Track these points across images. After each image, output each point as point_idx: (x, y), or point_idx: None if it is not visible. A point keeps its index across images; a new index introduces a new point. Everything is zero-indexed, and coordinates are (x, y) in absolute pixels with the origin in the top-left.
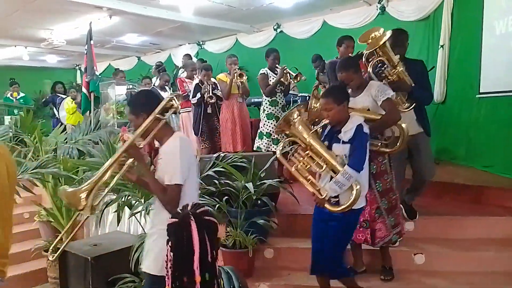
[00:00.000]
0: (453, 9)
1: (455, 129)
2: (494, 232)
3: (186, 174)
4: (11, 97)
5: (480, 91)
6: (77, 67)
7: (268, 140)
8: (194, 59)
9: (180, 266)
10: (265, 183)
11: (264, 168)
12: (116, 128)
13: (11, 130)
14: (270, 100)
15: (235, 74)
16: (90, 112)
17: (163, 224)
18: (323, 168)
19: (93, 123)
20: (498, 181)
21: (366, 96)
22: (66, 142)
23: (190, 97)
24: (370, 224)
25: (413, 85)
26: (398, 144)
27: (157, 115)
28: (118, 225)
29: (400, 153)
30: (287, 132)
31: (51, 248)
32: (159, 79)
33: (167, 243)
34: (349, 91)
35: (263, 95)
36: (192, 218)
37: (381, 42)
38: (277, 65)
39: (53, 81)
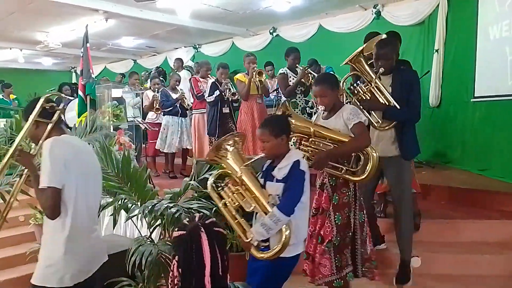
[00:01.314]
0: (448, 14)
1: (450, 133)
2: (489, 235)
3: (64, 178)
4: (5, 99)
5: (475, 95)
6: (73, 69)
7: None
8: (191, 63)
9: (189, 282)
10: None
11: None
12: (112, 131)
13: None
14: (289, 101)
15: (254, 73)
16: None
17: (48, 233)
18: (251, 208)
19: (89, 126)
20: (493, 184)
21: (338, 119)
22: None
23: (206, 95)
24: (314, 258)
25: (390, 103)
26: (365, 173)
27: (37, 119)
28: (114, 228)
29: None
30: (218, 163)
31: None
32: (170, 80)
33: (173, 258)
34: (323, 113)
35: (282, 96)
36: (202, 229)
37: (352, 56)
38: (297, 65)
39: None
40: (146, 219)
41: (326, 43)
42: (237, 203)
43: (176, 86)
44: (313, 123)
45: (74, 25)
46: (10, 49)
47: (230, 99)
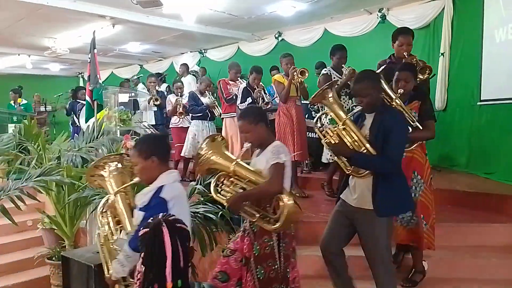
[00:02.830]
0: (453, 17)
1: (456, 136)
2: (495, 239)
3: None
4: (13, 104)
5: (481, 99)
6: (80, 75)
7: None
8: (197, 67)
9: (150, 274)
10: None
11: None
12: (118, 135)
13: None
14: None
15: (294, 74)
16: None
17: None
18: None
19: (96, 131)
20: (499, 188)
21: (263, 156)
22: (70, 150)
23: (238, 101)
24: None
25: (360, 148)
26: (278, 223)
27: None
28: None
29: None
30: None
31: None
32: (200, 83)
33: (140, 256)
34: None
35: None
36: (163, 224)
37: (317, 94)
38: (343, 65)
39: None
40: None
41: (330, 47)
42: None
43: (206, 91)
44: (235, 161)
45: (81, 31)
46: (19, 55)
47: (263, 107)
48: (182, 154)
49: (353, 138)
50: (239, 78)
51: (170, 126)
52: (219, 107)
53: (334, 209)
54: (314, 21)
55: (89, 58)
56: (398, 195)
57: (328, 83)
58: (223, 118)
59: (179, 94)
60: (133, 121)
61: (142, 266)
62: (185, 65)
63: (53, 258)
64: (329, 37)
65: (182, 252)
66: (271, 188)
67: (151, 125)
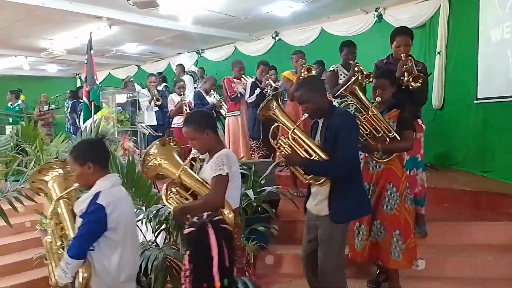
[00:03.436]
0: (449, 17)
1: (453, 135)
2: (492, 237)
3: None
4: (10, 106)
5: (478, 97)
6: (77, 76)
7: None
8: (194, 68)
9: (199, 274)
10: (265, 190)
11: (264, 175)
12: (116, 136)
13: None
14: (339, 102)
15: (301, 71)
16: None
17: None
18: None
19: (94, 132)
20: (496, 186)
21: (209, 165)
22: (67, 151)
23: (246, 96)
24: None
25: (311, 156)
26: None
27: None
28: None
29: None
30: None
31: None
32: (205, 83)
33: (185, 253)
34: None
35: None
36: (209, 225)
37: (264, 104)
38: (350, 61)
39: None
40: (151, 223)
41: (328, 46)
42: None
43: (212, 89)
44: (182, 169)
45: (78, 32)
46: (15, 56)
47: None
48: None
49: (303, 146)
50: (243, 76)
51: (173, 126)
52: (225, 106)
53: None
54: (310, 21)
55: (86, 59)
56: (353, 201)
57: (273, 94)
58: (226, 117)
59: (182, 93)
60: (136, 121)
61: (189, 264)
62: (181, 66)
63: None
64: (326, 37)
65: (227, 251)
66: (210, 202)
67: (153, 125)
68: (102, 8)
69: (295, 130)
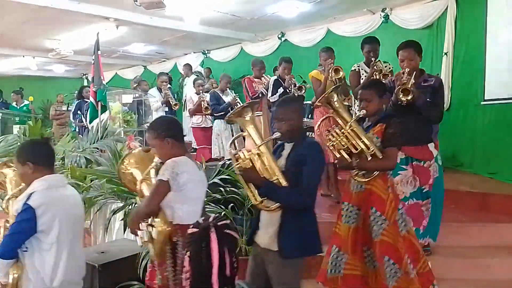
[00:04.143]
0: (457, 17)
1: (460, 136)
2: (499, 239)
3: None
4: (15, 105)
5: (485, 98)
6: (84, 76)
7: None
8: (200, 68)
9: (198, 279)
10: None
11: None
12: (122, 136)
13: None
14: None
15: (329, 70)
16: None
17: None
18: None
19: (100, 132)
20: (503, 188)
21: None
22: (74, 150)
23: (269, 94)
24: None
25: (271, 178)
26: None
27: None
28: (124, 232)
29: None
30: None
31: None
32: (220, 81)
33: (185, 253)
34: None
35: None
36: (212, 229)
37: (234, 111)
38: (372, 59)
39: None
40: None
41: (334, 47)
42: None
43: (228, 88)
44: (143, 179)
45: (85, 33)
46: (23, 56)
47: (295, 95)
48: (213, 157)
49: (266, 165)
50: (263, 75)
51: (191, 126)
52: (241, 104)
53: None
54: (317, 22)
55: (93, 59)
56: (305, 235)
57: (249, 103)
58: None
59: (201, 91)
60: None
61: (189, 266)
62: (188, 66)
63: None
64: (332, 38)
65: (229, 259)
66: (140, 208)
67: None
68: (109, 9)
69: (262, 147)
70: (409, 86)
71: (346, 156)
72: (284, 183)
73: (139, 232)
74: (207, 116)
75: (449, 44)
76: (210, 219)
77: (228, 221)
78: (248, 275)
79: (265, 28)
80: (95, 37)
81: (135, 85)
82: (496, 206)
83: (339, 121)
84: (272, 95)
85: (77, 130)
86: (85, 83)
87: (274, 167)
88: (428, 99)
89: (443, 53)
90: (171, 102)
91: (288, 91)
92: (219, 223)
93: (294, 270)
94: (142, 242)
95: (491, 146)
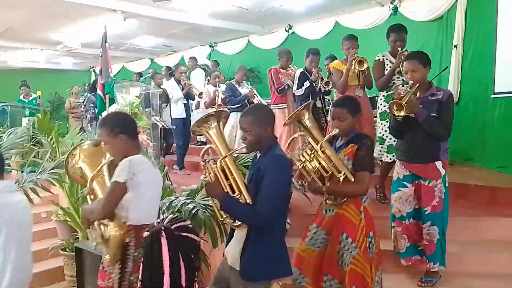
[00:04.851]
0: (467, 9)
1: (470, 130)
2: (508, 233)
3: None
4: (23, 99)
5: (495, 91)
6: (92, 69)
7: (381, 147)
8: (207, 61)
9: (149, 285)
10: None
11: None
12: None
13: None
14: (385, 94)
15: (353, 61)
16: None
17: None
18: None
19: None
20: None
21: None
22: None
23: (294, 88)
24: None
25: (235, 194)
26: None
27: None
28: None
29: None
30: None
31: None
32: (236, 73)
33: (141, 258)
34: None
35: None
36: (163, 233)
37: (200, 119)
38: (399, 49)
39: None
40: (164, 215)
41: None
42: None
43: (243, 81)
44: (92, 177)
45: (93, 26)
46: (32, 49)
47: (322, 90)
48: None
49: (229, 180)
50: (290, 66)
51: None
52: (259, 95)
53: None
54: (325, 14)
55: (100, 52)
56: (270, 256)
57: (216, 111)
58: (272, 109)
59: (217, 84)
60: (150, 115)
61: (141, 274)
62: (194, 59)
63: (67, 250)
64: (340, 30)
65: (184, 267)
66: (94, 210)
67: (182, 118)
68: (117, 1)
69: (226, 159)
70: (406, 100)
71: (316, 179)
72: (247, 199)
73: (92, 233)
74: (220, 104)
75: (459, 37)
76: (165, 221)
77: (187, 223)
78: (211, 284)
79: (272, 20)
80: (103, 29)
81: (141, 78)
82: (505, 200)
83: (310, 141)
84: (297, 89)
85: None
86: (93, 76)
87: (238, 182)
88: (434, 114)
89: (453, 46)
90: (200, 97)
91: (314, 85)
92: (174, 226)
93: None
94: (95, 244)
95: (501, 140)
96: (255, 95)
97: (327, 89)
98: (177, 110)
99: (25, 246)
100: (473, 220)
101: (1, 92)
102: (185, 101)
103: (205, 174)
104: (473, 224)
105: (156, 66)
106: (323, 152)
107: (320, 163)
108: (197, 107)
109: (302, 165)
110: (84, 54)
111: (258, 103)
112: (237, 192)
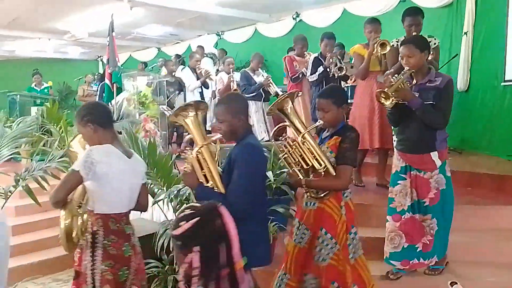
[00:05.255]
0: None
1: (479, 118)
2: None
3: None
4: (35, 87)
5: (505, 79)
6: (99, 58)
7: None
8: (215, 50)
9: (216, 263)
10: (284, 171)
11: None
12: (138, 118)
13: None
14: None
15: (374, 45)
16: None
17: None
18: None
19: (116, 114)
20: None
21: None
22: None
23: (308, 73)
24: None
25: (209, 183)
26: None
27: None
28: (141, 212)
29: None
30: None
31: None
32: (252, 61)
33: (189, 251)
34: None
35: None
36: (220, 205)
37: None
38: (414, 33)
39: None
40: (172, 203)
41: (350, 27)
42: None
43: (259, 69)
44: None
45: (100, 15)
46: (39, 39)
47: (335, 75)
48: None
49: (204, 169)
50: (305, 53)
51: None
52: (274, 84)
53: None
54: (332, 1)
55: (107, 41)
56: (245, 245)
57: (190, 103)
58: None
59: (231, 70)
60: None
61: (200, 259)
62: (201, 47)
63: None
64: (348, 18)
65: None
66: (51, 194)
67: None
68: None
69: (202, 148)
70: (395, 88)
71: (296, 171)
72: (220, 189)
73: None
74: (235, 89)
75: (469, 24)
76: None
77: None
78: None
79: (279, 8)
80: (110, 18)
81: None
82: None
83: (293, 132)
84: (311, 74)
85: None
86: (100, 65)
87: (212, 171)
88: (431, 102)
89: (463, 33)
90: (210, 77)
91: (328, 70)
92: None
93: None
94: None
95: (510, 128)
96: (270, 84)
97: (339, 74)
98: (193, 99)
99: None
100: (482, 209)
101: (10, 81)
102: (200, 90)
103: (186, 164)
104: (482, 212)
105: (163, 55)
106: (303, 143)
107: (301, 155)
108: (214, 96)
109: (283, 156)
110: (92, 43)
111: (231, 92)
112: (210, 182)
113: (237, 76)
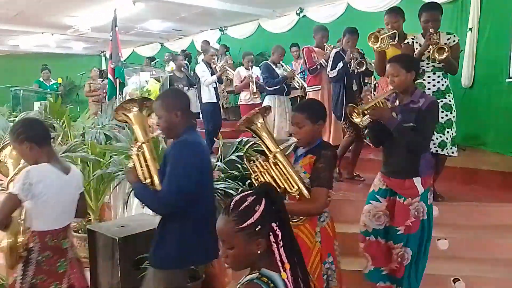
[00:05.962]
0: None
1: (483, 114)
2: None
3: None
4: (44, 82)
5: (510, 75)
6: (102, 53)
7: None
8: (217, 45)
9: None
10: None
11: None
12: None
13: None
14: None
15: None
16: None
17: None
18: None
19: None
20: None
21: None
22: (94, 127)
23: (328, 68)
24: None
25: (146, 180)
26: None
27: None
28: (143, 208)
29: None
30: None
31: None
32: (273, 54)
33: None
34: None
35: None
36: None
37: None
38: (431, 30)
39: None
40: None
41: (354, 23)
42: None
43: (281, 62)
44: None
45: (103, 9)
46: (42, 33)
47: (355, 71)
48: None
49: (143, 167)
50: (325, 44)
51: (239, 103)
52: (300, 78)
53: None
54: None
55: (110, 36)
56: (181, 243)
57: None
58: (306, 92)
59: (250, 67)
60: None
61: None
62: (206, 42)
63: (80, 231)
64: (352, 13)
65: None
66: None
67: (213, 103)
68: None
69: (143, 145)
70: (369, 106)
71: None
72: (157, 186)
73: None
74: (255, 91)
75: (474, 20)
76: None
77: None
78: None
79: (283, 3)
80: (113, 13)
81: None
82: None
83: (265, 150)
84: (330, 70)
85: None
86: (103, 60)
87: (151, 169)
88: (411, 124)
89: (468, 29)
90: (228, 70)
91: (348, 66)
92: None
93: (162, 282)
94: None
95: None
96: (295, 76)
97: (359, 70)
98: (208, 94)
99: None
100: (484, 206)
101: (13, 76)
102: (215, 85)
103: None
104: (484, 209)
105: (166, 50)
106: (275, 164)
107: (272, 177)
108: (233, 92)
109: (255, 177)
110: (95, 38)
111: (171, 87)
112: (148, 179)
113: (256, 70)
